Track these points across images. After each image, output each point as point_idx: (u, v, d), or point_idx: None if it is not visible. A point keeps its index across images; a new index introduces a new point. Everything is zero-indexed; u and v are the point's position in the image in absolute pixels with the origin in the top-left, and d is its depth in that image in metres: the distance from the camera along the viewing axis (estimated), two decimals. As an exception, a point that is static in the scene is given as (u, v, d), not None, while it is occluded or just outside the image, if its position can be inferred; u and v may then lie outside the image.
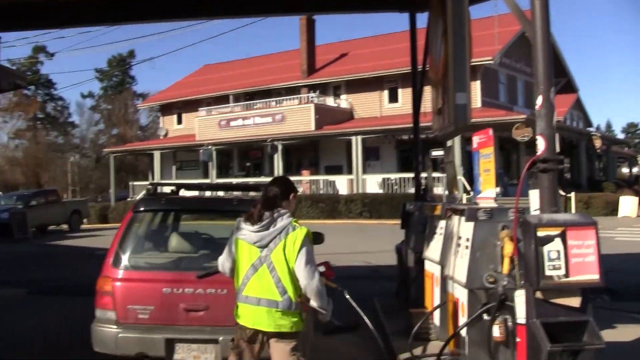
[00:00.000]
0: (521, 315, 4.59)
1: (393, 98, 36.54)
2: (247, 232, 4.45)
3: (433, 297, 7.15)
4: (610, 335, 7.15)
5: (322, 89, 38.55)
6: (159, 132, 47.81)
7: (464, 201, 17.60)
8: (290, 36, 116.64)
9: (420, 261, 7.80)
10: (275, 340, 4.41)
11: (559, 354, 4.24)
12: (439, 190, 22.94)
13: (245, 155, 40.95)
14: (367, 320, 6.37)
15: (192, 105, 42.89)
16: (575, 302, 4.36)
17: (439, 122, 8.43)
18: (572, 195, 26.04)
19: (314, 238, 4.89)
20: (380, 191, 32.56)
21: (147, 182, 41.90)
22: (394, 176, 32.81)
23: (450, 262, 6.32)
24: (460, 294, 5.87)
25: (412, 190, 16.28)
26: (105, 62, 77.65)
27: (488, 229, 5.59)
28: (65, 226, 31.21)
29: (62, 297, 12.58)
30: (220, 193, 17.77)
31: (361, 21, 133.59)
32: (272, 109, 37.27)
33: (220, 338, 5.68)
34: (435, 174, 21.17)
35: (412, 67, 10.37)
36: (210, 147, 36.87)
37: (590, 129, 45.46)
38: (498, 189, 12.04)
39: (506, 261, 5.04)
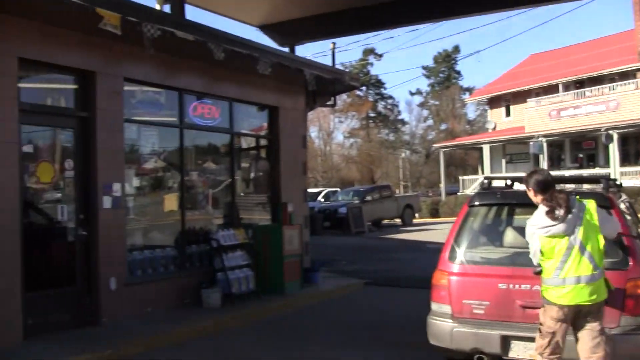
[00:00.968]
0: None
1: None
2: (552, 226, 5.16)
3: None
4: None
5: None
6: (487, 125, 47.64)
7: None
8: (621, 17, 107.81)
9: None
10: (591, 317, 5.17)
11: None
12: None
13: (577, 146, 38.93)
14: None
15: (519, 97, 41.98)
16: None
17: None
18: None
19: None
20: None
21: (477, 176, 42.03)
22: None
23: None
24: None
25: None
26: (432, 59, 79.80)
27: None
28: (398, 220, 32.60)
29: (397, 289, 13.15)
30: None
31: None
32: (605, 96, 34.87)
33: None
34: None
35: None
36: (540, 138, 35.76)
37: None
38: None
39: None
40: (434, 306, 6.46)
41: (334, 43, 15.42)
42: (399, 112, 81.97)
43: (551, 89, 39.62)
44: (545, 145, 36.14)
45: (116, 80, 9.65)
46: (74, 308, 9.12)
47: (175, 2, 12.11)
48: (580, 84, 38.66)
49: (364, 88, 73.91)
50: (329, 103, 15.11)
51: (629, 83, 35.03)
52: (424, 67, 77.08)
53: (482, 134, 49.30)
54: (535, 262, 5.43)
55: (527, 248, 5.48)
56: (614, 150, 33.22)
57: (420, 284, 11.10)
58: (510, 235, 6.73)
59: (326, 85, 13.14)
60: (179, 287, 10.60)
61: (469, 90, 75.09)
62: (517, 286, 5.93)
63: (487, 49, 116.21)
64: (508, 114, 44.22)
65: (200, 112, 11.40)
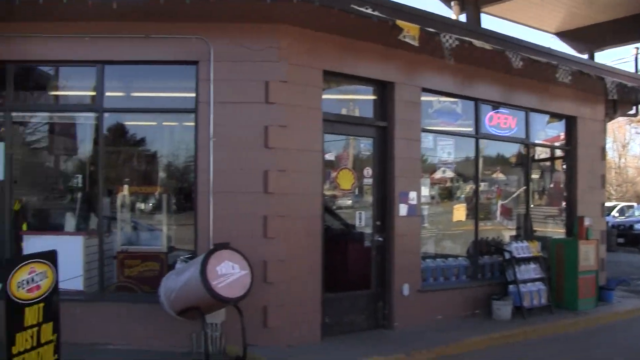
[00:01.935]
0: None
1: None
2: None
3: None
4: None
5: None
6: None
7: None
8: None
9: None
10: None
11: None
12: None
13: None
14: None
15: None
16: None
17: None
18: None
19: None
20: None
21: None
22: None
23: None
24: None
25: None
26: None
27: None
28: None
29: None
30: None
31: None
32: None
33: None
34: None
35: None
36: None
37: None
38: None
39: None
40: None
41: (638, 48, 13.82)
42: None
43: None
44: None
45: (414, 91, 9.43)
46: (367, 311, 9.05)
47: (471, 12, 11.66)
48: None
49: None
50: (630, 113, 13.58)
51: None
52: None
53: None
54: None
55: None
56: None
57: None
58: None
59: (628, 94, 11.74)
60: (469, 298, 10.09)
61: None
62: None
63: None
64: None
65: (496, 122, 10.81)
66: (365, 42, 8.78)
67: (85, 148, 8.97)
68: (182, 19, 7.77)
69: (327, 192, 8.90)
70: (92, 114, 8.35)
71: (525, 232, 11.39)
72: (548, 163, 12.72)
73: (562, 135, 12.28)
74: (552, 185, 12.43)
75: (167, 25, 7.85)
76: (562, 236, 12.02)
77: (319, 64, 8.38)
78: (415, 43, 8.09)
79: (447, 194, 10.70)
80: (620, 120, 48.53)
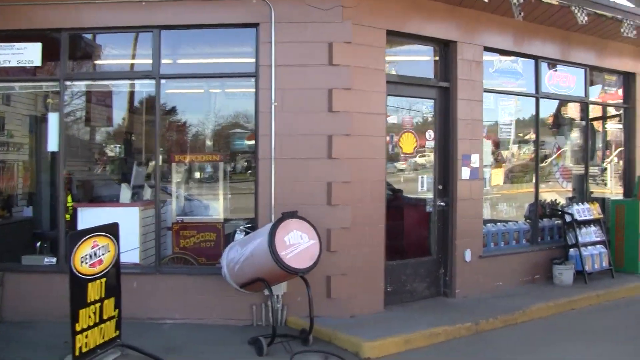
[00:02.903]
0: None
1: None
2: None
3: None
4: None
5: None
6: None
7: None
8: None
9: None
10: None
11: None
12: None
13: None
14: None
15: None
16: None
17: None
18: None
19: None
20: None
21: None
22: None
23: None
24: None
25: None
26: None
27: None
28: None
29: None
30: None
31: None
32: None
33: None
34: None
35: None
36: None
37: None
38: None
39: None
40: None
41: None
42: None
43: None
44: None
45: (476, 50, 8.66)
46: (429, 278, 8.48)
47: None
48: None
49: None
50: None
51: None
52: None
53: None
54: None
55: None
56: None
57: None
58: None
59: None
60: (530, 262, 9.45)
61: None
62: None
63: None
64: None
65: (555, 80, 9.98)
66: (430, 0, 8.00)
67: (140, 117, 8.38)
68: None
69: (393, 156, 8.26)
70: (148, 81, 7.71)
71: (583, 194, 10.62)
72: (606, 122, 11.85)
73: (620, 93, 11.38)
74: (611, 146, 11.61)
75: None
76: (621, 197, 11.23)
77: (382, 23, 7.67)
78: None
79: (510, 156, 9.99)
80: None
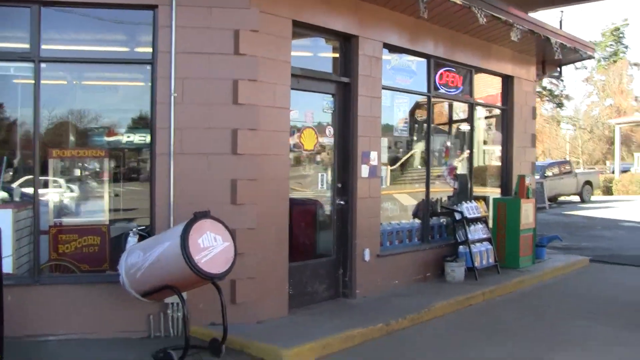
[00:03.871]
0: None
1: None
2: None
3: None
4: None
5: None
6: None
7: None
8: None
9: None
10: None
11: None
12: None
13: None
14: None
15: None
16: None
17: None
18: None
19: None
20: None
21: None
22: None
23: None
24: None
25: None
26: (600, 34, 73.71)
27: None
28: (574, 197, 30.00)
29: (625, 267, 11.91)
30: None
31: None
32: None
33: None
34: None
35: None
36: None
37: None
38: None
39: None
40: None
41: (562, 11, 13.66)
42: (565, 87, 76.68)
43: None
44: None
45: (376, 45, 8.61)
46: (328, 279, 8.31)
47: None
48: None
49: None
50: (555, 74, 13.41)
51: None
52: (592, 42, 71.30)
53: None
54: None
55: None
56: None
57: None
58: None
59: (567, 55, 11.51)
60: (422, 260, 9.57)
61: (638, 65, 68.88)
62: None
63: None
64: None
65: (445, 80, 10.18)
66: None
67: (15, 106, 7.47)
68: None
69: (294, 153, 7.99)
70: (25, 65, 6.86)
71: (469, 192, 10.95)
72: (488, 123, 12.31)
73: (499, 95, 11.87)
74: (492, 146, 12.07)
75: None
76: (498, 195, 11.71)
77: (288, 13, 7.38)
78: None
79: (404, 154, 10.06)
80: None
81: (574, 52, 11.50)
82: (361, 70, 8.35)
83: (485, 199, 11.20)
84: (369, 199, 8.53)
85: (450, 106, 11.15)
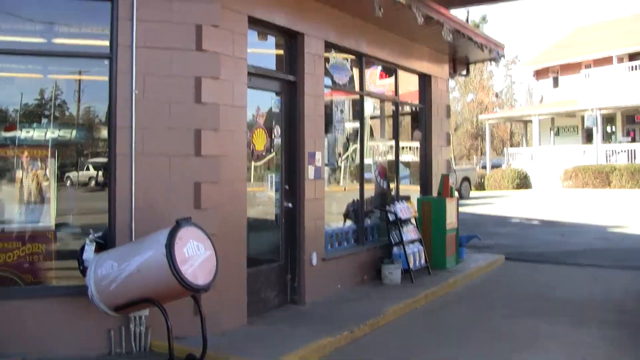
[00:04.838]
0: None
1: None
2: None
3: None
4: None
5: None
6: (534, 97, 46.67)
7: None
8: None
9: None
10: None
11: None
12: None
13: (630, 119, 37.91)
14: None
15: (569, 69, 40.99)
16: None
17: None
18: None
19: None
20: None
21: (522, 149, 41.21)
22: None
23: None
24: None
25: None
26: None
27: None
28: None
29: (538, 264, 12.82)
30: None
31: None
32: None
33: None
34: None
35: None
36: (595, 111, 34.83)
37: None
38: None
39: None
40: None
41: (468, 12, 14.57)
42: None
43: (603, 62, 38.47)
44: (599, 118, 35.22)
45: (319, 43, 8.87)
46: (278, 285, 8.47)
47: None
48: (632, 56, 37.50)
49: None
50: (463, 73, 14.27)
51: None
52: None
53: (531, 106, 48.29)
54: None
55: None
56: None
57: (558, 261, 12.85)
58: None
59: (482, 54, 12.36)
60: (360, 263, 9.93)
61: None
62: None
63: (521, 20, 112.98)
64: (556, 85, 43.09)
65: (373, 78, 10.62)
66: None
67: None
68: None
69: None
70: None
71: (395, 192, 11.46)
72: (410, 122, 12.90)
73: (417, 93, 12.48)
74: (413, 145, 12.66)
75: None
76: (418, 194, 12.32)
77: (244, 8, 7.47)
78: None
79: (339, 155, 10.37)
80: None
81: (488, 52, 12.34)
82: (307, 69, 8.58)
83: (407, 198, 11.73)
84: (315, 200, 8.78)
85: (378, 105, 11.58)
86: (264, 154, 8.33)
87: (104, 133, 7.05)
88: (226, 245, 7.17)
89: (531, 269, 12.23)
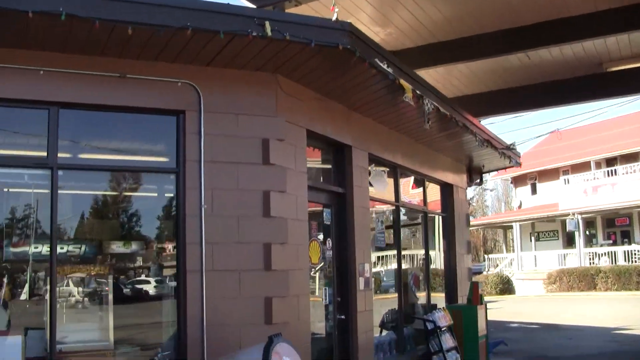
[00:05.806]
0: None
1: None
2: None
3: None
4: None
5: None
6: (513, 203, 47.10)
7: None
8: None
9: None
10: None
11: None
12: None
13: (610, 222, 38.18)
14: None
15: (547, 175, 41.56)
16: None
17: None
18: None
19: None
20: None
21: (503, 255, 41.17)
22: None
23: None
24: None
25: None
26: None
27: None
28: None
29: None
30: None
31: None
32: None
33: None
34: None
35: None
36: (576, 216, 35.11)
37: None
38: None
39: None
40: None
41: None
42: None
43: (581, 167, 39.10)
44: (581, 222, 35.46)
45: (364, 156, 8.79)
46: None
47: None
48: (610, 161, 38.21)
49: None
50: (477, 181, 14.29)
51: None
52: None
53: (510, 212, 48.60)
54: None
55: None
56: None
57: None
58: None
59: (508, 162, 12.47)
60: (401, 373, 9.51)
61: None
62: None
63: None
64: (534, 191, 43.56)
65: (406, 188, 10.54)
66: (335, 101, 7.99)
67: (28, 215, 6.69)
68: (164, 59, 6.29)
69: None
70: (42, 172, 6.23)
71: (428, 299, 11.17)
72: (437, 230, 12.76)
73: (440, 203, 12.41)
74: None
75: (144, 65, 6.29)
76: (443, 301, 12.03)
77: (303, 122, 7.40)
78: (412, 103, 7.52)
79: (383, 263, 10.14)
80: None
81: (508, 160, 12.41)
82: (355, 181, 8.45)
83: (435, 306, 11.44)
84: (365, 312, 8.45)
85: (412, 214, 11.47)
86: (317, 266, 8.06)
87: (165, 247, 6.79)
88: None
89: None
